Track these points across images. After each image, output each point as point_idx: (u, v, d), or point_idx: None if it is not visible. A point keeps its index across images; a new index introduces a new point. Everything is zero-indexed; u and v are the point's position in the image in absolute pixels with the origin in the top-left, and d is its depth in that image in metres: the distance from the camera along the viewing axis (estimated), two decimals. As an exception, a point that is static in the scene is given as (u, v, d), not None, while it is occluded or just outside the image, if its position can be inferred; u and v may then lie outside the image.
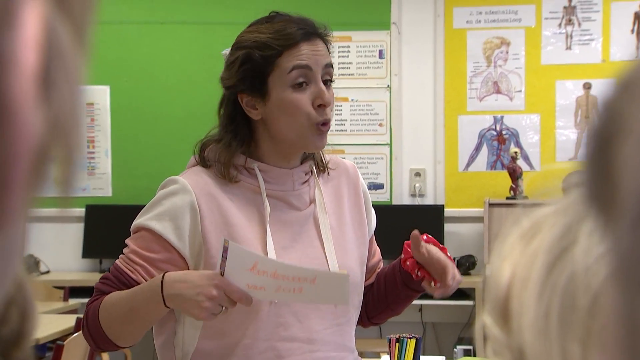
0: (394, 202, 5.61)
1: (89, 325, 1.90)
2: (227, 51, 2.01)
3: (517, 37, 5.57)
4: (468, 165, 5.59)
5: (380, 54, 5.65)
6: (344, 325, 2.02)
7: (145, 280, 1.89)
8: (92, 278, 4.61)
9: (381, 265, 2.20)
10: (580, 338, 0.49)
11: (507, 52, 5.58)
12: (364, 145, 5.64)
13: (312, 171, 2.04)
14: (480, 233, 5.40)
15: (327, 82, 1.96)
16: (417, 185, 5.60)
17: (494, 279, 0.56)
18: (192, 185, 1.92)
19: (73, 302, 4.77)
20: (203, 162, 1.98)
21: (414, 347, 2.23)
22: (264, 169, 1.98)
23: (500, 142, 5.58)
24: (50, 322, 3.94)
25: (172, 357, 1.98)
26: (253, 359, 1.92)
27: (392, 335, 2.25)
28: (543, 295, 0.51)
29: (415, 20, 5.61)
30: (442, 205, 5.51)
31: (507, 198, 5.32)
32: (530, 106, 5.55)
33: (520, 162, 5.38)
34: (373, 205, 2.17)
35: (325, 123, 1.93)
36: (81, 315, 2.04)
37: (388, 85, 5.64)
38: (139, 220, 1.95)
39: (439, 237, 4.82)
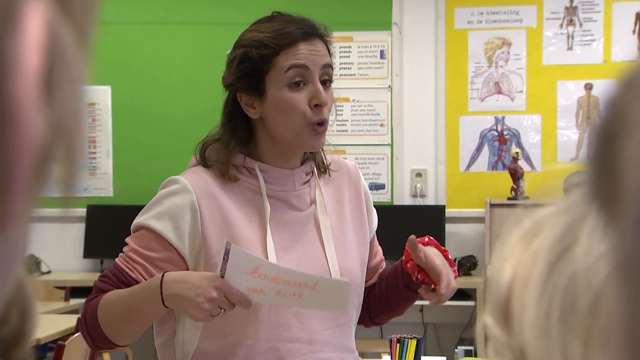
0: (395, 203, 5.61)
1: (87, 323, 1.91)
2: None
3: (518, 37, 5.56)
4: (469, 165, 5.59)
5: (382, 55, 5.65)
6: (344, 326, 2.02)
7: (145, 279, 1.89)
8: (93, 278, 4.59)
9: (383, 265, 2.20)
10: (582, 338, 0.49)
11: (508, 53, 5.58)
12: (365, 146, 5.64)
13: (312, 172, 2.04)
14: (481, 233, 5.40)
15: (326, 82, 1.96)
16: (418, 185, 5.60)
17: (494, 279, 0.56)
18: (193, 185, 1.92)
19: (74, 302, 4.78)
20: (204, 162, 1.98)
21: (415, 348, 2.23)
22: (265, 169, 1.98)
23: (501, 142, 5.57)
24: (51, 322, 3.95)
25: (172, 358, 1.98)
26: (254, 360, 1.92)
27: (393, 336, 2.25)
28: (544, 295, 0.51)
29: (417, 21, 5.61)
30: (443, 206, 5.51)
31: (508, 198, 5.32)
32: (531, 106, 5.55)
33: (522, 163, 5.38)
34: (374, 206, 2.17)
35: (322, 123, 1.93)
36: (82, 316, 2.04)
37: (389, 86, 5.64)
38: (139, 219, 1.95)
39: (440, 237, 4.83)
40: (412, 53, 5.63)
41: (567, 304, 0.50)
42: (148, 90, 5.67)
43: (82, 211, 5.55)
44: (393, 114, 5.63)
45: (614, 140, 0.40)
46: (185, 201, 1.91)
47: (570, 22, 5.53)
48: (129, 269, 1.91)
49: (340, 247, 2.00)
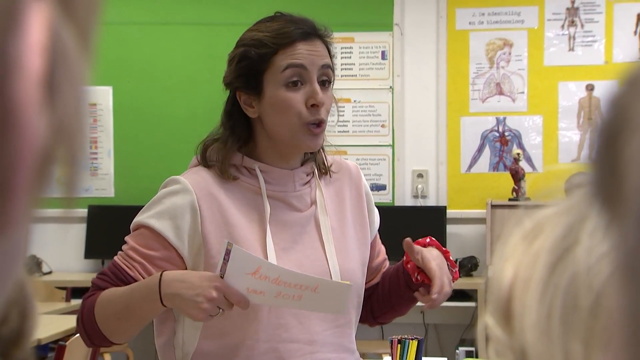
0: (396, 204, 5.61)
1: (84, 320, 1.91)
2: None
3: (519, 38, 5.56)
4: (470, 166, 5.59)
5: (383, 55, 5.65)
6: (344, 326, 2.02)
7: (143, 278, 1.89)
8: (95, 279, 4.60)
9: (386, 264, 2.20)
10: (583, 338, 0.49)
11: (509, 54, 5.58)
12: (367, 147, 5.64)
13: (313, 172, 2.05)
14: (482, 234, 5.40)
15: (325, 83, 1.96)
16: (420, 186, 5.60)
17: (496, 279, 0.56)
18: (193, 185, 1.93)
19: (75, 302, 4.77)
20: (205, 162, 1.98)
21: (415, 349, 2.23)
22: (265, 169, 1.98)
23: (502, 143, 5.57)
24: (53, 322, 3.95)
25: (172, 358, 1.98)
26: (255, 361, 1.92)
27: (394, 337, 2.25)
28: (545, 296, 0.51)
29: (418, 22, 5.61)
30: (445, 207, 5.51)
31: (510, 199, 5.32)
32: (532, 107, 5.55)
33: (523, 164, 5.38)
34: (375, 206, 2.17)
35: (319, 124, 1.93)
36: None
37: (390, 87, 5.64)
38: (139, 218, 1.95)
39: (441, 238, 4.82)
40: (413, 54, 5.63)
41: (568, 304, 0.50)
42: (149, 91, 5.67)
43: (83, 211, 5.55)
44: (394, 115, 5.63)
45: (616, 140, 0.40)
46: (186, 201, 1.91)
47: (572, 23, 5.52)
48: (127, 267, 1.92)
49: (341, 248, 2.00)
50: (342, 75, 5.55)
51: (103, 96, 5.67)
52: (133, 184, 5.62)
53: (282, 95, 1.91)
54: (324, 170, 2.06)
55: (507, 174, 5.39)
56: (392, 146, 5.63)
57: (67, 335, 3.63)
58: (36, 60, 0.33)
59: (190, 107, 5.60)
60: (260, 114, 1.95)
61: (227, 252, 1.76)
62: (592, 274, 0.49)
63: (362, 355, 2.14)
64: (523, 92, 5.56)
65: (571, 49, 5.52)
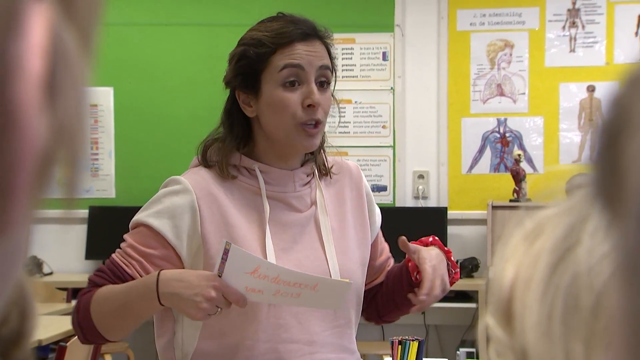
0: (397, 205, 5.61)
1: (80, 317, 1.91)
2: None
3: (520, 39, 5.56)
4: (471, 167, 5.59)
5: (384, 56, 5.66)
6: (344, 327, 2.02)
7: (140, 276, 1.89)
8: (96, 280, 4.61)
9: (391, 262, 2.20)
10: (584, 338, 0.49)
11: (510, 55, 5.58)
12: (367, 148, 5.64)
13: (313, 173, 2.05)
14: (483, 235, 5.40)
15: (323, 84, 1.96)
16: (420, 187, 5.60)
17: (497, 280, 0.56)
18: (193, 185, 1.93)
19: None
20: (205, 162, 1.99)
21: (416, 350, 2.23)
22: (265, 170, 1.98)
23: (503, 144, 5.57)
24: (53, 323, 3.95)
25: (172, 358, 1.98)
26: (255, 361, 1.92)
27: (394, 338, 2.25)
28: (546, 296, 0.51)
29: (419, 22, 5.61)
30: (445, 208, 5.51)
31: (511, 200, 5.32)
32: (533, 109, 5.55)
33: (524, 165, 5.38)
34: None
35: (315, 124, 1.93)
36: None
37: (391, 88, 5.64)
38: (138, 217, 1.96)
39: (442, 239, 4.81)
40: (414, 55, 5.63)
41: (569, 305, 0.50)
42: (150, 92, 5.67)
43: (84, 212, 5.56)
44: (395, 116, 5.63)
45: (618, 139, 0.40)
46: (185, 201, 1.91)
47: (573, 24, 5.52)
48: (125, 264, 1.92)
49: (341, 248, 2.00)
50: (343, 76, 5.54)
51: (104, 97, 5.67)
52: (134, 185, 5.62)
53: (279, 95, 1.92)
54: (324, 171, 2.06)
55: (508, 175, 5.39)
56: (393, 147, 5.63)
57: (68, 336, 3.62)
58: (37, 61, 0.34)
59: (191, 108, 5.60)
60: (257, 114, 1.96)
61: (225, 252, 1.76)
62: (593, 274, 0.49)
63: (363, 356, 2.14)
64: (524, 93, 5.56)
65: (572, 50, 5.52)
